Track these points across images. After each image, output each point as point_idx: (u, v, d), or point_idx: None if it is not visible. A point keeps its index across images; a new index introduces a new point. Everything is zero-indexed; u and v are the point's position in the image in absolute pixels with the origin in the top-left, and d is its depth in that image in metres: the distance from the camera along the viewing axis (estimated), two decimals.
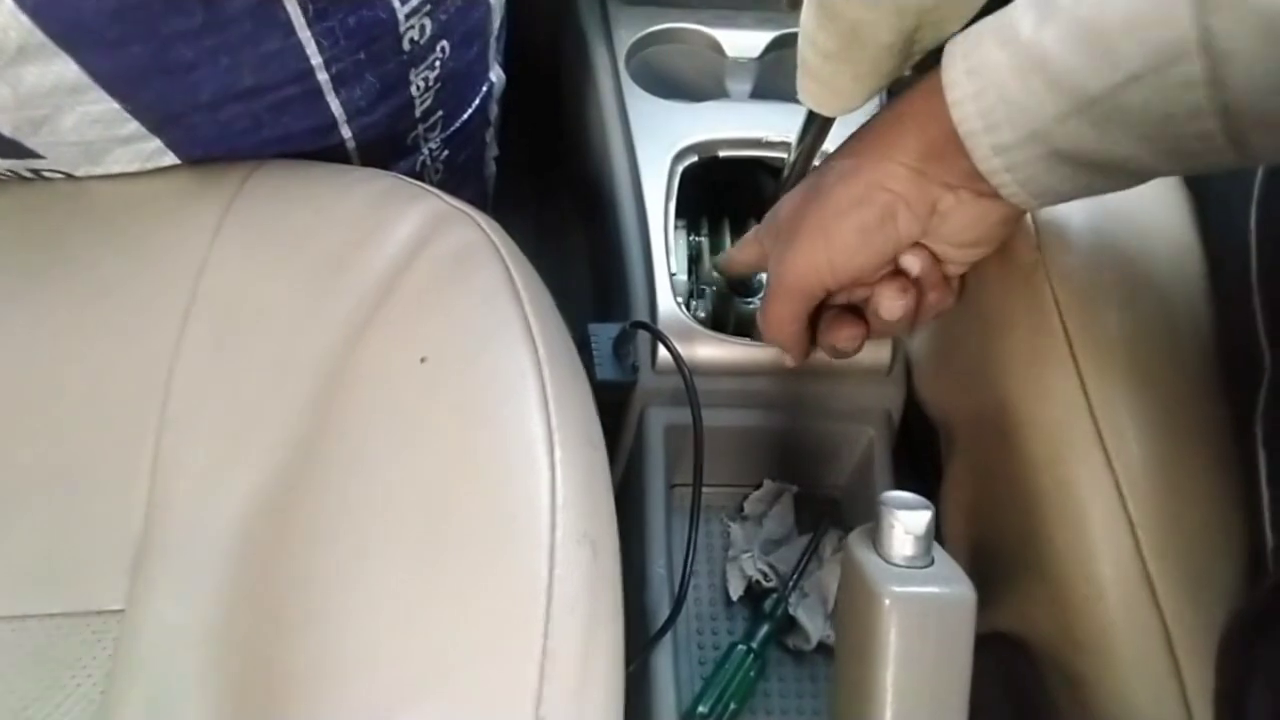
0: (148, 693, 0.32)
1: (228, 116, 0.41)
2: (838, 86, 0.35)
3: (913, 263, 0.34)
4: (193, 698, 0.32)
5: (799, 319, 0.38)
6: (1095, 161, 0.26)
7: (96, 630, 0.34)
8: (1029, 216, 0.39)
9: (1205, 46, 0.21)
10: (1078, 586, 0.35)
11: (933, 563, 0.28)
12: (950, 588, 0.27)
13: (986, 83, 0.27)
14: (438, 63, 0.48)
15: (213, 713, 0.32)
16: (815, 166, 0.41)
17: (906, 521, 0.28)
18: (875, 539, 0.29)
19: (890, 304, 0.35)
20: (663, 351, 0.49)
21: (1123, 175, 0.27)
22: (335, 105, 0.44)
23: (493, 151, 0.67)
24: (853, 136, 0.36)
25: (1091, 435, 0.35)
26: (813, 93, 0.37)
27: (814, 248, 0.34)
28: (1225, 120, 0.22)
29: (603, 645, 0.30)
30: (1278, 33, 0.20)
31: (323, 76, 0.42)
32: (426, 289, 0.37)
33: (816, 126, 0.40)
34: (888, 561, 0.28)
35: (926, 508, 0.28)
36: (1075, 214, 0.39)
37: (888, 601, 0.27)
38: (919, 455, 0.56)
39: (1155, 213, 0.39)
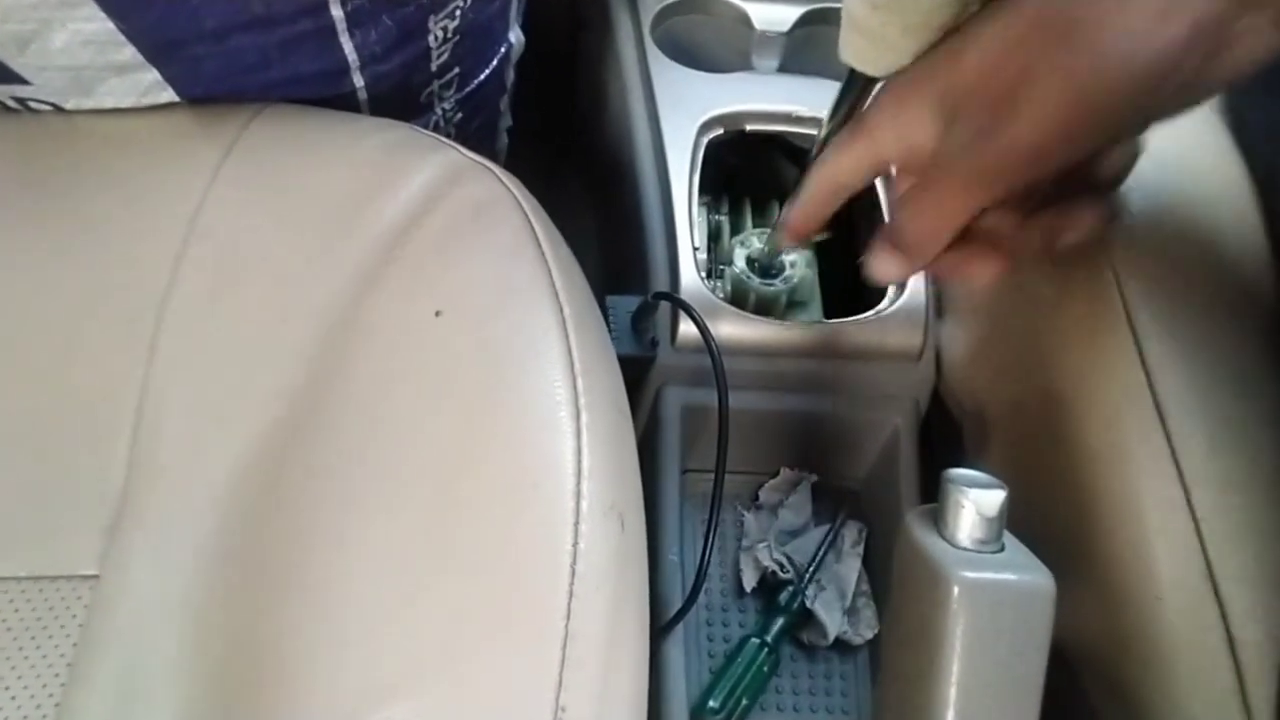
0: (120, 666, 0.29)
1: (233, 49, 0.38)
2: (885, 40, 0.33)
3: None
4: (168, 674, 0.29)
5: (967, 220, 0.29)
6: None
7: (66, 596, 0.31)
8: None
9: None
10: (1132, 587, 0.33)
11: (1003, 548, 0.26)
12: (1027, 575, 0.25)
13: None
14: (458, 11, 0.45)
15: (189, 691, 0.29)
16: None
17: (978, 501, 0.25)
18: (939, 520, 0.26)
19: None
20: (683, 327, 0.47)
21: None
22: (349, 48, 0.41)
23: (506, 122, 0.64)
24: None
25: (1153, 419, 0.32)
26: (856, 48, 0.34)
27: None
28: None
29: (628, 629, 0.27)
30: None
31: (337, 13, 0.39)
32: (443, 240, 0.34)
33: (855, 92, 0.37)
34: (953, 545, 0.25)
35: (1000, 487, 0.26)
36: (1134, 187, 0.36)
37: (957, 589, 0.24)
38: (935, 452, 0.53)
39: (1217, 186, 0.37)
